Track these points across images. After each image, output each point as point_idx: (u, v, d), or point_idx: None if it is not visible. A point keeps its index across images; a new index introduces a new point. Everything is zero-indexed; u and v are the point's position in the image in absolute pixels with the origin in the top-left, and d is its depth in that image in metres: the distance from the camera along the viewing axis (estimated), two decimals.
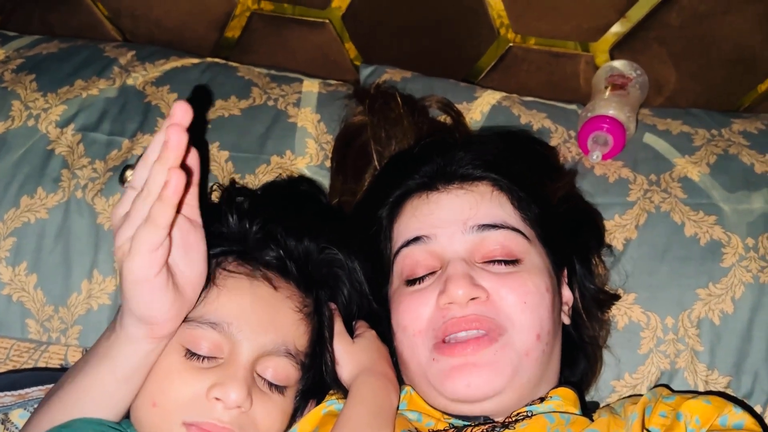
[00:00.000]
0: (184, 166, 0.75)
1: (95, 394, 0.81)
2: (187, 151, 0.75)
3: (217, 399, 0.81)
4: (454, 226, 0.93)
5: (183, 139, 0.73)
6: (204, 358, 0.83)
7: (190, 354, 0.83)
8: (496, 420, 0.90)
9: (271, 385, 0.86)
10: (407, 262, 0.94)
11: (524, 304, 0.89)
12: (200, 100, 1.23)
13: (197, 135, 1.17)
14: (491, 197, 0.94)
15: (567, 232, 1.00)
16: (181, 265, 0.80)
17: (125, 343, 0.80)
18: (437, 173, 0.98)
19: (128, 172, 0.79)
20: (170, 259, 0.78)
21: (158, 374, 0.82)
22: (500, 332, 0.88)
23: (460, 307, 0.88)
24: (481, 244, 0.92)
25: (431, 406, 0.92)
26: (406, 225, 0.96)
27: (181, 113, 0.73)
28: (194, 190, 0.80)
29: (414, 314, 0.91)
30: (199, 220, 0.82)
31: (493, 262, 0.92)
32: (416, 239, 0.94)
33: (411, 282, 0.94)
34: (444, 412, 0.91)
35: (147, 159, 0.76)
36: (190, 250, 0.81)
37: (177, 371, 0.82)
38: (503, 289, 0.89)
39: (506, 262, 0.91)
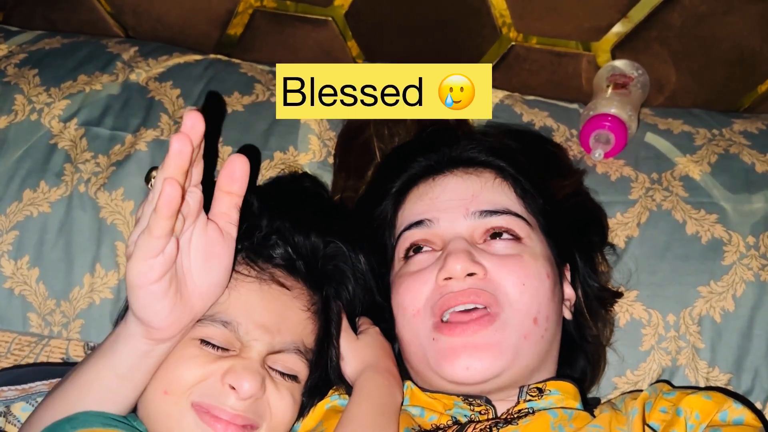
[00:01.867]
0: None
1: (96, 389, 0.80)
2: (196, 156, 0.75)
3: (231, 388, 0.81)
4: (456, 211, 0.93)
5: (185, 149, 0.72)
6: (218, 347, 0.83)
7: (204, 343, 0.83)
8: (496, 406, 0.90)
9: (282, 374, 0.86)
10: (407, 242, 0.95)
11: (523, 285, 0.89)
12: (213, 107, 1.23)
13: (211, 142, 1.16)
14: (494, 184, 0.95)
15: (571, 227, 1.01)
16: (195, 274, 0.79)
17: (124, 340, 0.80)
18: (443, 157, 0.99)
19: (153, 173, 0.78)
20: (184, 266, 0.78)
21: (171, 362, 0.82)
22: (498, 308, 0.88)
23: (457, 282, 0.89)
24: (483, 226, 0.93)
25: (431, 391, 0.92)
26: (410, 210, 0.97)
27: (191, 123, 0.72)
28: (236, 202, 0.79)
29: (413, 294, 0.91)
30: (233, 233, 0.81)
31: (495, 237, 0.92)
32: (418, 223, 0.94)
33: (409, 255, 0.94)
34: (443, 392, 0.91)
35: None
36: (211, 260, 0.80)
37: (190, 357, 0.82)
38: (503, 269, 0.90)
39: (507, 239, 0.92)
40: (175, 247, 0.74)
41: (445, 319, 0.90)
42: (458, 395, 0.90)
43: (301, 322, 0.88)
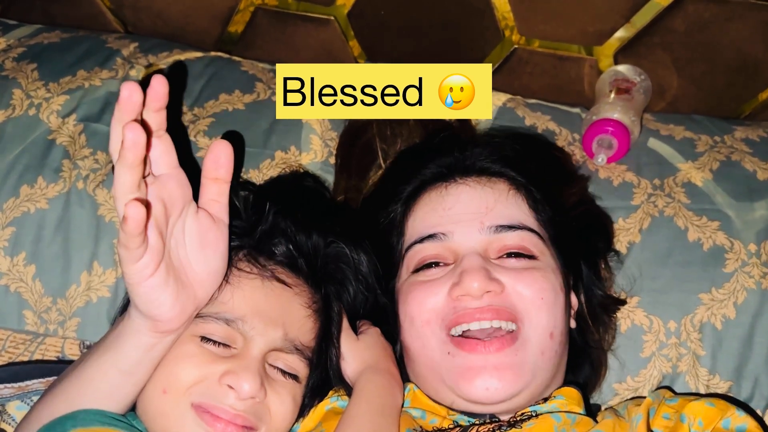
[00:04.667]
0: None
1: (99, 385, 0.80)
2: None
3: (230, 387, 0.80)
4: (471, 224, 0.92)
5: (139, 138, 0.68)
6: (219, 344, 0.83)
7: (205, 340, 0.83)
8: (501, 419, 0.89)
9: (284, 373, 0.85)
10: (419, 256, 0.94)
11: (541, 300, 0.89)
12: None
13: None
14: (508, 196, 0.94)
15: (577, 235, 1.00)
16: (193, 262, 0.79)
17: (129, 335, 0.79)
18: (455, 165, 0.98)
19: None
20: (180, 254, 0.78)
21: (170, 361, 0.81)
22: (519, 324, 0.88)
23: (473, 299, 0.88)
24: (498, 242, 0.92)
25: (436, 402, 0.92)
26: (422, 220, 0.95)
27: (126, 100, 0.70)
28: (224, 188, 0.79)
29: (423, 304, 0.90)
30: (225, 218, 0.81)
31: (509, 256, 0.91)
32: (431, 236, 0.93)
33: (420, 269, 0.93)
34: (449, 408, 0.91)
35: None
36: (207, 247, 0.80)
37: (190, 355, 0.82)
38: (519, 284, 0.89)
39: (522, 257, 0.91)
40: (159, 239, 0.74)
41: (456, 334, 0.89)
42: (462, 412, 0.90)
43: (302, 319, 0.88)
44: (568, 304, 0.95)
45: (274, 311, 0.85)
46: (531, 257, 0.92)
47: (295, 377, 0.86)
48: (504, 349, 0.86)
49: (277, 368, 0.85)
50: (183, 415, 0.80)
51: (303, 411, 0.90)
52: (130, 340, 0.79)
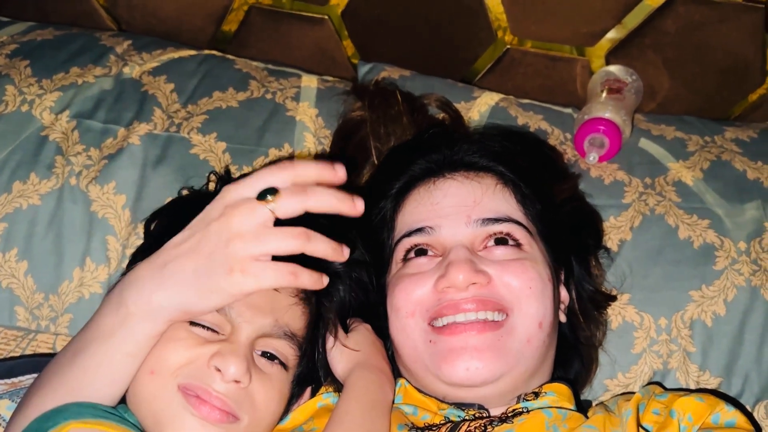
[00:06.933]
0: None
1: (102, 370, 0.79)
2: None
3: (217, 370, 0.81)
4: (457, 218, 0.93)
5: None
6: (207, 328, 0.83)
7: (194, 324, 0.83)
8: (491, 411, 0.90)
9: (272, 360, 0.86)
10: (407, 246, 0.95)
11: (529, 289, 0.89)
12: None
13: None
14: (495, 190, 0.95)
15: (567, 231, 1.01)
16: None
17: (145, 321, 0.79)
18: (444, 160, 0.98)
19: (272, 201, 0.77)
20: None
21: (160, 343, 0.82)
22: (504, 313, 0.88)
23: (458, 291, 0.88)
24: (484, 233, 0.93)
25: (426, 394, 0.92)
26: (410, 214, 0.96)
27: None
28: None
29: (409, 296, 0.91)
30: None
31: (496, 244, 0.92)
32: (419, 230, 0.94)
33: (407, 254, 0.94)
34: (437, 398, 0.91)
35: (303, 195, 0.76)
36: None
37: (179, 338, 0.82)
38: (507, 275, 0.90)
39: (508, 244, 0.92)
40: None
41: (439, 325, 0.89)
42: (451, 403, 0.90)
43: (290, 307, 0.88)
44: (556, 296, 0.95)
45: (261, 300, 0.85)
46: (517, 244, 0.92)
47: (282, 364, 0.87)
48: (485, 332, 0.87)
49: (265, 356, 0.86)
50: (171, 397, 0.81)
51: (290, 401, 0.90)
52: (145, 327, 0.79)
